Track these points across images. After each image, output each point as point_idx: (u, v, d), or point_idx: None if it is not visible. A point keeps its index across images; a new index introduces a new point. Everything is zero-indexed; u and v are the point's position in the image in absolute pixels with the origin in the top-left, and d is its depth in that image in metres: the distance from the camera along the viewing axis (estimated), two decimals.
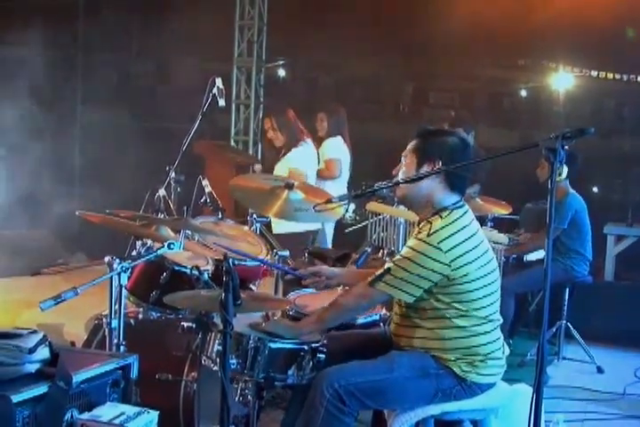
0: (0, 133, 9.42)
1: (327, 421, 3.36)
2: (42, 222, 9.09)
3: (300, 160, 6.67)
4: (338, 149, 7.48)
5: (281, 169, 6.63)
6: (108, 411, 2.79)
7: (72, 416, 2.76)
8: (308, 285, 4.00)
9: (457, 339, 3.51)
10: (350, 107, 8.42)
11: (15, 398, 2.54)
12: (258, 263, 4.54)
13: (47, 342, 2.80)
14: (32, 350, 2.69)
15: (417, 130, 3.72)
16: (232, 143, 10.67)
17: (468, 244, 3.48)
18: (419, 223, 3.65)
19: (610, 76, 10.79)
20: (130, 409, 2.82)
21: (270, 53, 10.87)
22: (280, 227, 6.36)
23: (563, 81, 10.85)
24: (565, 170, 6.18)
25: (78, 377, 2.80)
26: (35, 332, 2.79)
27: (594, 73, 10.77)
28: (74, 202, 9.53)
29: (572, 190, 6.48)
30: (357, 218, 7.63)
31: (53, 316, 4.38)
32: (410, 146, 3.67)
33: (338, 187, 7.19)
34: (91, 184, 8.52)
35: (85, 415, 2.77)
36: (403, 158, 3.69)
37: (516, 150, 3.14)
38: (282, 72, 12.09)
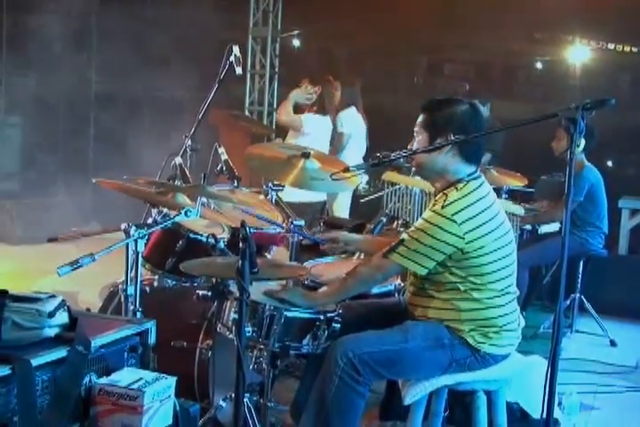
0: (15, 102, 9.44)
1: (341, 390, 3.36)
2: (57, 191, 9.12)
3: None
4: (351, 122, 7.48)
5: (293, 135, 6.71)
6: (126, 376, 2.80)
7: (90, 381, 2.77)
8: (326, 250, 4.00)
9: (472, 310, 3.51)
10: (364, 78, 8.39)
11: (35, 362, 2.55)
12: (274, 231, 4.55)
13: (66, 307, 2.81)
14: (51, 315, 2.70)
15: (423, 103, 3.66)
16: (246, 113, 10.65)
17: (483, 216, 3.46)
18: (435, 195, 3.64)
19: (627, 48, 10.70)
20: (148, 375, 2.83)
21: (285, 23, 10.81)
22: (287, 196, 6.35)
23: (579, 54, 10.75)
24: (583, 142, 6.15)
25: (97, 342, 2.80)
26: (54, 296, 2.80)
27: (610, 46, 10.67)
28: (89, 171, 9.57)
29: (587, 163, 6.46)
30: (371, 189, 7.62)
31: (67, 283, 4.40)
32: (419, 121, 3.63)
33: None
34: (105, 153, 8.53)
35: (104, 380, 2.78)
36: (415, 133, 3.66)
37: (535, 121, 3.10)
38: (296, 42, 12.01)
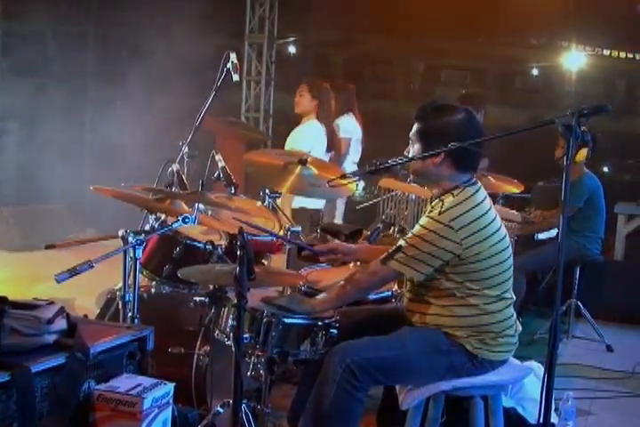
0: (11, 107, 9.44)
1: (339, 396, 3.35)
2: (52, 198, 9.12)
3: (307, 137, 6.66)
4: (350, 128, 7.48)
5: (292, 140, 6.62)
6: (124, 382, 2.82)
7: (89, 387, 2.78)
8: (325, 261, 3.98)
9: (468, 317, 3.50)
10: (361, 84, 8.40)
11: (34, 368, 2.57)
12: (271, 238, 4.55)
13: (64, 314, 2.82)
14: (50, 321, 2.72)
15: (417, 111, 3.61)
16: (243, 120, 10.66)
17: (480, 222, 3.45)
18: (431, 201, 3.63)
19: (622, 55, 10.74)
20: (146, 380, 2.85)
21: (281, 30, 10.83)
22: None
23: (575, 60, 10.78)
24: (585, 152, 6.17)
25: (96, 348, 2.82)
26: (52, 303, 2.81)
27: (606, 52, 10.71)
28: (84, 178, 9.57)
29: (586, 170, 6.48)
30: (367, 195, 7.62)
31: (64, 290, 4.40)
32: (414, 129, 3.59)
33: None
34: (101, 159, 8.54)
35: (102, 386, 2.79)
36: (410, 141, 3.65)
37: (532, 127, 3.12)
38: (292, 49, 12.03)
